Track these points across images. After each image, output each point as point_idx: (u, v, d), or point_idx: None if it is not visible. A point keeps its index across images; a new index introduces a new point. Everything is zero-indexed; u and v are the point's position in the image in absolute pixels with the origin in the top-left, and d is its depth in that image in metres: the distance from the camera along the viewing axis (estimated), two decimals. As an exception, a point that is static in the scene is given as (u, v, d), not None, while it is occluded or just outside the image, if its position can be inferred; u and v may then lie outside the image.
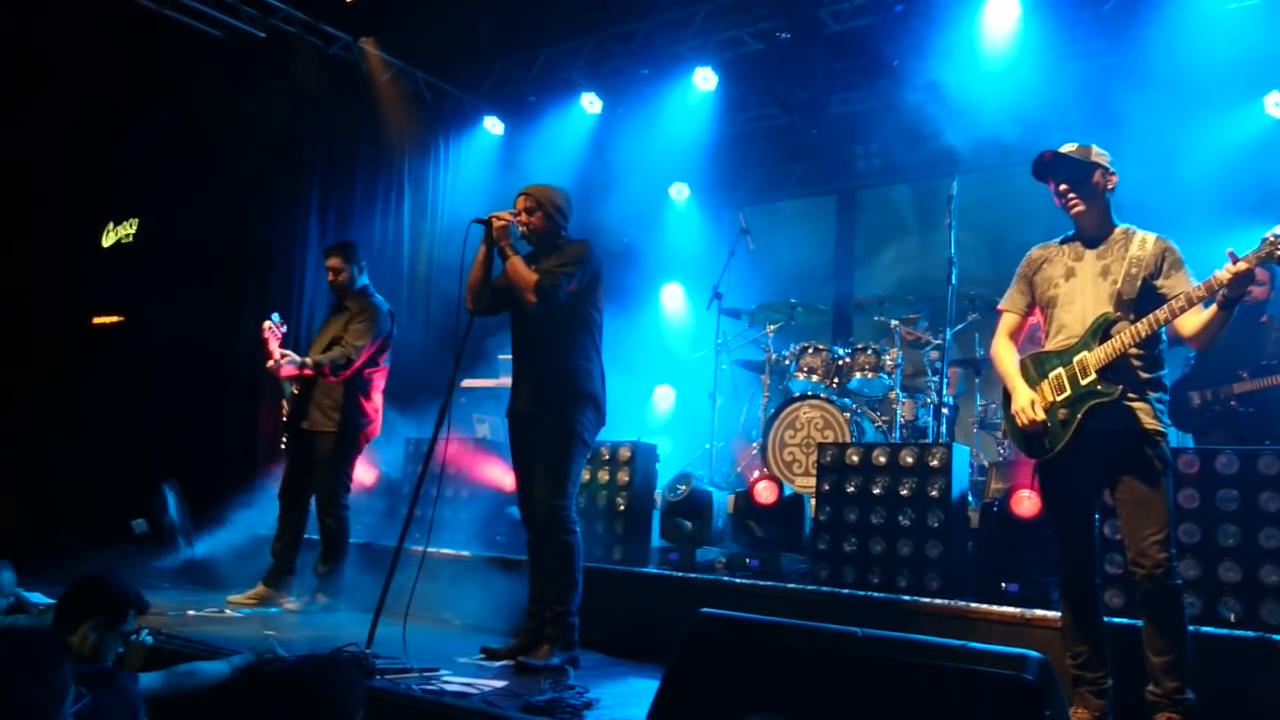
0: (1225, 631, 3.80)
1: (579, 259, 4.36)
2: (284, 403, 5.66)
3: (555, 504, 4.26)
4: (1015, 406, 3.55)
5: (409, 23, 8.42)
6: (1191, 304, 3.30)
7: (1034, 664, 2.14)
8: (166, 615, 4.91)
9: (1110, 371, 3.41)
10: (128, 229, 8.11)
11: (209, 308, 7.47)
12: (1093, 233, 3.61)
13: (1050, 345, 3.61)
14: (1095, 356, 3.43)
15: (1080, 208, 3.58)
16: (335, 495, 5.60)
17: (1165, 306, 3.35)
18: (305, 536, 5.80)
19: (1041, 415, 3.48)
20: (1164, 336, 3.54)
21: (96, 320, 8.12)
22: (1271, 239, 3.15)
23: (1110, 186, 3.59)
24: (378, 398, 5.77)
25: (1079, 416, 3.42)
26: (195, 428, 7.21)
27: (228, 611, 5.27)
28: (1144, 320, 3.37)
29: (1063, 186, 3.59)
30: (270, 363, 5.48)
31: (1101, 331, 3.45)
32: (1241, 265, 3.16)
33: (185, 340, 7.23)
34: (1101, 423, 3.40)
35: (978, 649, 2.23)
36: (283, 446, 5.70)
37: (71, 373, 7.82)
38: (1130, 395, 3.42)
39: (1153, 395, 3.45)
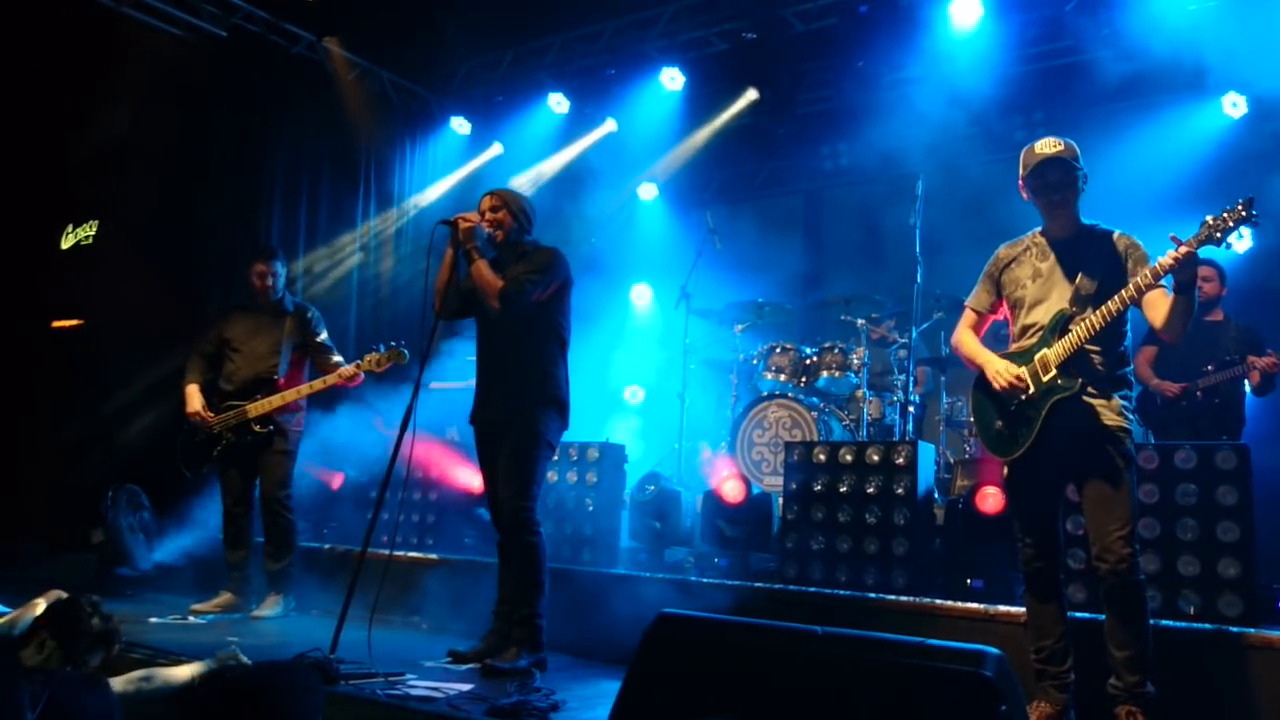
0: (1184, 624, 3.85)
1: (546, 266, 4.35)
2: (205, 414, 5.53)
3: (520, 505, 4.25)
4: (990, 372, 3.56)
5: (373, 22, 8.35)
6: (1141, 291, 3.34)
7: (991, 660, 2.15)
8: (128, 623, 4.83)
9: (1070, 366, 3.44)
10: (87, 231, 7.99)
11: (170, 310, 7.37)
12: (1063, 233, 3.63)
13: (1015, 346, 3.64)
14: (1054, 352, 3.47)
15: (1064, 208, 3.59)
16: (288, 490, 5.60)
17: (1116, 297, 3.39)
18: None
19: (1018, 370, 3.50)
20: (1128, 334, 3.58)
21: (56, 324, 7.99)
22: (1210, 222, 3.21)
23: (1084, 185, 3.62)
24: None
25: (1043, 413, 3.45)
26: (157, 432, 7.11)
27: (191, 619, 5.21)
28: (1097, 312, 3.40)
29: (1054, 185, 3.57)
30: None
31: (1060, 327, 3.49)
32: (1183, 249, 3.21)
33: (146, 344, 7.12)
34: (1065, 420, 3.44)
35: (936, 645, 2.24)
36: (215, 457, 5.59)
37: (31, 377, 7.68)
38: (1092, 391, 3.45)
39: (1116, 392, 3.49)
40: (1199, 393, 5.44)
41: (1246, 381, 5.44)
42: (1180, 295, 3.31)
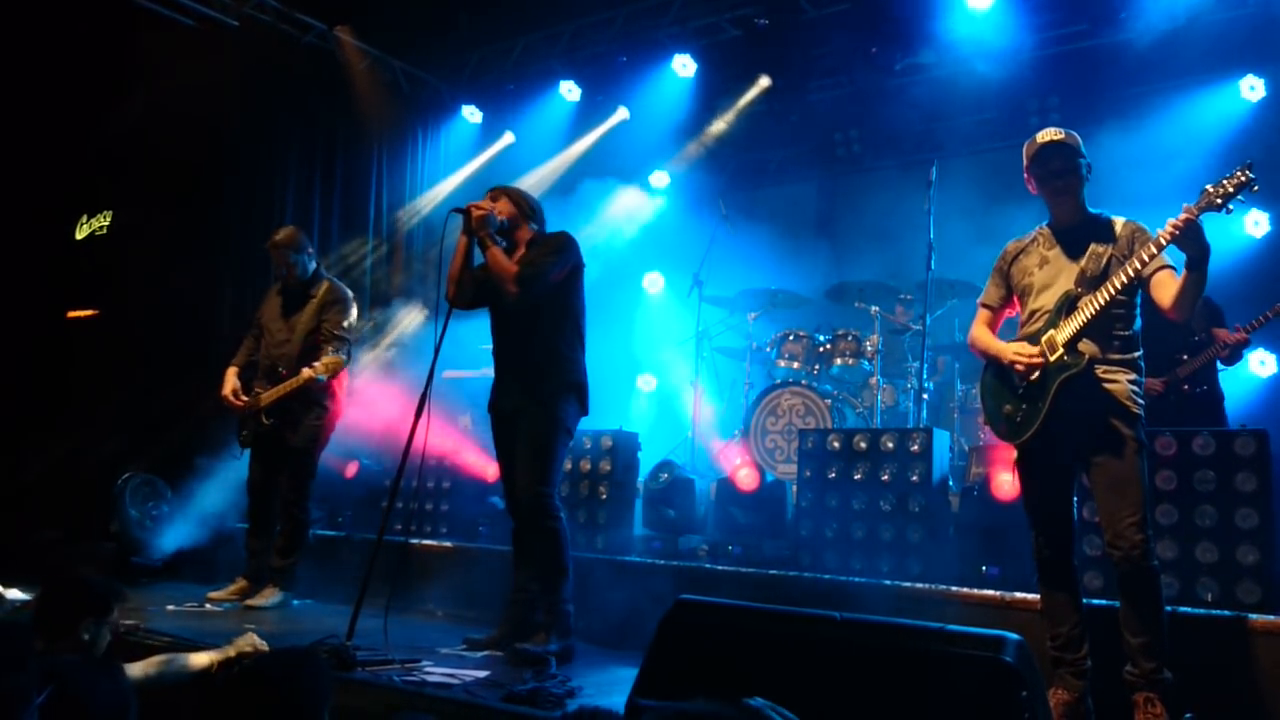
0: (1202, 611, 3.83)
1: (558, 249, 4.36)
2: (238, 398, 5.51)
3: (540, 492, 4.26)
4: (1007, 358, 3.55)
5: (385, 11, 8.34)
6: (1144, 264, 3.32)
7: (1011, 645, 2.14)
8: (146, 610, 4.87)
9: (1077, 345, 3.43)
10: (101, 221, 8.01)
11: (185, 299, 7.40)
12: (1069, 221, 3.62)
13: (1022, 332, 3.64)
14: (1062, 333, 3.46)
15: (1067, 195, 3.58)
16: (307, 487, 5.51)
17: (1121, 272, 3.37)
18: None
19: (1035, 348, 3.49)
20: (1137, 318, 3.56)
21: (71, 314, 8.02)
22: (1210, 189, 3.20)
23: (1088, 174, 3.61)
24: (345, 383, 5.69)
25: (1051, 393, 3.44)
26: (173, 421, 7.14)
27: (208, 606, 5.24)
28: (1102, 289, 3.39)
29: (1057, 172, 3.56)
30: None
31: (1066, 308, 3.48)
32: (1184, 217, 3.20)
33: (162, 333, 7.15)
34: (1075, 403, 3.42)
35: (956, 631, 2.23)
36: (242, 440, 5.58)
37: (47, 368, 7.73)
38: (1102, 372, 3.44)
39: (1126, 376, 3.47)
40: (1185, 385, 5.32)
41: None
42: (1191, 272, 3.28)
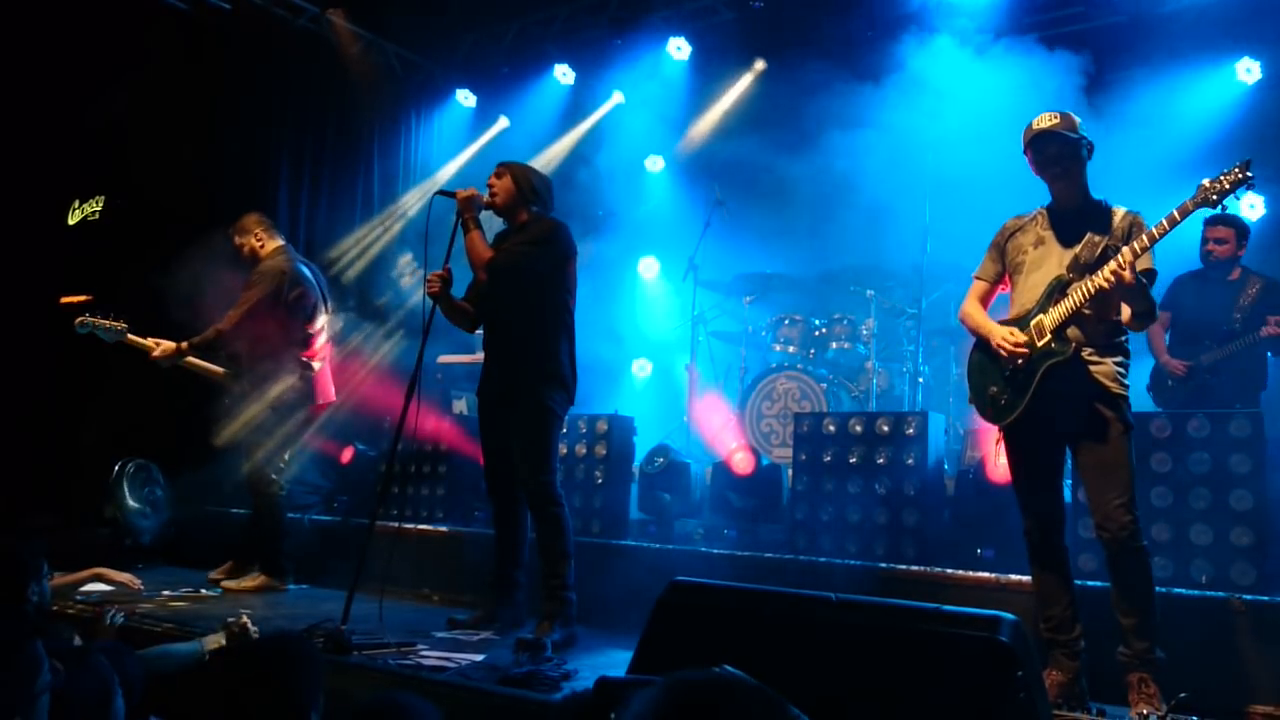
0: (1197, 593, 3.84)
1: (540, 239, 4.32)
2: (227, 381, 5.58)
3: (540, 480, 4.26)
4: (995, 341, 3.55)
5: (377, -7, 8.30)
6: (1137, 256, 3.31)
7: (1007, 626, 2.14)
8: (143, 595, 4.88)
9: (1065, 331, 3.43)
10: (94, 206, 7.97)
11: (178, 285, 7.36)
12: (1068, 204, 3.61)
13: (1013, 312, 3.64)
14: (1050, 317, 3.46)
15: (1066, 180, 3.57)
16: (262, 472, 5.40)
17: (1114, 260, 3.36)
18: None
19: (1021, 336, 3.49)
20: None
21: (64, 300, 7.98)
22: (1206, 185, 3.20)
23: (1089, 155, 3.59)
24: (315, 366, 5.53)
25: (1036, 378, 3.45)
26: (168, 405, 7.12)
27: (203, 592, 5.25)
28: (1094, 278, 3.38)
29: (1053, 159, 3.55)
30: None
31: (1056, 293, 3.48)
32: (1177, 213, 3.21)
33: (155, 317, 7.11)
34: (1060, 385, 3.43)
35: (952, 611, 2.23)
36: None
37: (40, 353, 7.69)
38: (1089, 355, 3.44)
39: (1112, 358, 3.47)
40: (1208, 373, 5.28)
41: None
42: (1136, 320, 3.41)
